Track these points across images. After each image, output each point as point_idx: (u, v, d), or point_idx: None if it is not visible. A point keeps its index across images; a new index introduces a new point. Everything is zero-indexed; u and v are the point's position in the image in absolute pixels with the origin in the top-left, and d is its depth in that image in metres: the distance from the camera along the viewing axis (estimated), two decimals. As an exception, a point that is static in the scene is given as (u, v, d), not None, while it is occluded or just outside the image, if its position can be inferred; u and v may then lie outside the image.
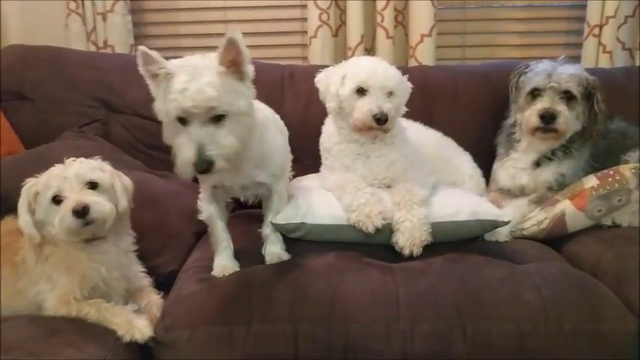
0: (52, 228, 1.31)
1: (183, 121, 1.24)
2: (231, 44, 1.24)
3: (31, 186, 1.34)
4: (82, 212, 1.29)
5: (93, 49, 2.31)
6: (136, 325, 1.29)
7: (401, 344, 1.30)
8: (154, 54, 1.26)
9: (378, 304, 1.35)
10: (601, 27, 2.27)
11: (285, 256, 1.51)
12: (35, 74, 2.02)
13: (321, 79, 1.65)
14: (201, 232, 1.70)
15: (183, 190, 1.77)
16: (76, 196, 1.31)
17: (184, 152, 1.23)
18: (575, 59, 2.22)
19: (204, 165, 1.22)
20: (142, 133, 2.01)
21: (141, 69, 1.29)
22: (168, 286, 1.48)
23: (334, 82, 1.61)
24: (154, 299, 1.43)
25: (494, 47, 2.44)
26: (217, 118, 1.24)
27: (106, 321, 1.29)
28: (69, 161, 1.37)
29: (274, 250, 1.52)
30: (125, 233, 1.46)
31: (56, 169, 1.35)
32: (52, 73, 2.03)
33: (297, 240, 1.57)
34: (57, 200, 1.31)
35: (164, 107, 1.26)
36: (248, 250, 1.55)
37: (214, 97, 1.21)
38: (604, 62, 2.27)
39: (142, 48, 1.27)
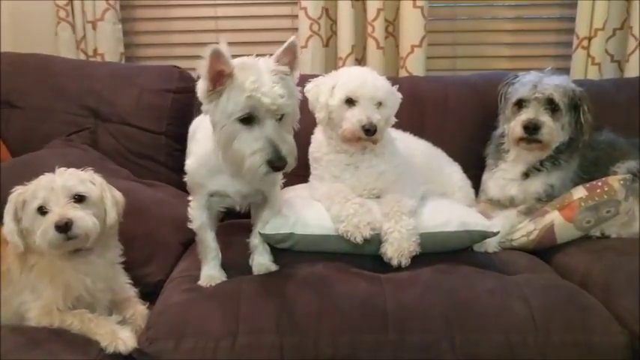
0: (37, 238, 1.29)
1: (248, 120, 1.25)
2: (291, 48, 1.29)
3: (18, 194, 1.32)
4: (64, 227, 1.27)
5: (83, 57, 2.30)
6: (119, 336, 1.27)
7: (389, 356, 1.29)
8: (227, 52, 1.24)
9: (367, 315, 1.34)
10: (590, 39, 2.28)
11: (273, 267, 1.49)
12: (24, 82, 2.02)
13: (310, 89, 1.64)
14: (189, 241, 1.68)
15: (171, 200, 1.76)
16: (60, 209, 1.29)
17: (258, 150, 1.24)
18: (565, 71, 2.23)
19: (282, 162, 1.24)
20: (130, 141, 2.00)
21: (205, 67, 1.25)
22: (154, 297, 1.46)
23: (323, 92, 1.61)
24: (139, 310, 1.41)
25: (485, 58, 2.45)
26: (280, 118, 1.27)
27: (90, 332, 1.27)
28: (59, 171, 1.36)
29: (262, 260, 1.50)
30: (113, 245, 1.45)
31: (44, 179, 1.33)
32: (40, 81, 2.02)
33: (286, 250, 1.56)
34: (42, 211, 1.30)
35: (231, 106, 1.25)
36: (236, 261, 1.53)
37: (286, 96, 1.25)
38: (593, 74, 2.29)
39: (217, 46, 1.23)
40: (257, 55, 1.31)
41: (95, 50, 2.29)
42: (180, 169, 1.69)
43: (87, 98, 2.00)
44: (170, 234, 1.66)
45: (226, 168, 1.37)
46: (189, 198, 1.49)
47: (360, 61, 2.33)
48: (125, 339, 1.27)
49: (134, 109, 2.01)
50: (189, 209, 1.48)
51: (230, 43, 2.10)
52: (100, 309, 1.37)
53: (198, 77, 1.30)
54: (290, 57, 1.31)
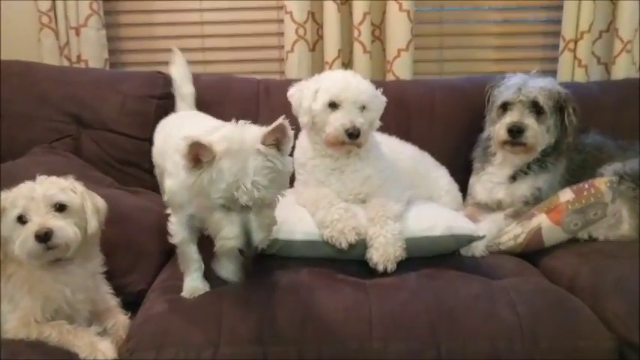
0: (16, 248, 1.27)
1: (226, 206, 1.21)
2: (279, 128, 1.21)
3: (5, 203, 1.29)
4: (44, 237, 1.24)
5: (66, 64, 2.27)
6: (99, 348, 1.24)
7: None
8: (206, 141, 1.17)
9: (351, 322, 1.32)
10: (576, 42, 2.28)
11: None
12: (5, 89, 1.98)
13: (293, 94, 1.63)
14: (172, 250, 1.64)
15: (154, 207, 1.73)
16: (40, 219, 1.26)
17: (231, 238, 1.21)
18: (552, 73, 2.22)
19: (252, 250, 1.23)
20: (113, 148, 1.97)
21: (184, 158, 1.20)
22: (136, 306, 1.43)
23: (306, 97, 1.59)
24: (120, 320, 1.38)
25: (472, 62, 2.45)
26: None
27: (68, 343, 1.25)
28: (40, 179, 1.33)
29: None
30: (94, 255, 1.42)
31: (24, 187, 1.30)
32: (22, 88, 1.99)
33: (270, 256, 1.54)
34: (22, 220, 1.27)
35: (210, 190, 1.19)
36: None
37: (267, 187, 1.19)
38: (580, 76, 2.29)
39: (191, 137, 1.17)
40: (244, 122, 1.25)
41: (79, 57, 2.26)
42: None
43: (69, 105, 1.97)
44: (153, 242, 1.62)
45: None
46: (169, 212, 1.45)
47: (347, 65, 2.32)
48: (105, 350, 1.25)
49: (118, 115, 1.98)
50: (169, 224, 1.44)
51: (215, 49, 2.09)
52: (80, 320, 1.34)
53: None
54: (279, 135, 1.22)
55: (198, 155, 1.18)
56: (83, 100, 1.98)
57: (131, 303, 1.46)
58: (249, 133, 1.22)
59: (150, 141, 1.98)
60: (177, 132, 1.43)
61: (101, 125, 1.97)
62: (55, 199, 1.30)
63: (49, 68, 2.10)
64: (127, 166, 1.97)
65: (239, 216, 1.21)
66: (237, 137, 1.20)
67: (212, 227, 1.24)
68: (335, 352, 1.28)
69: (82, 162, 1.87)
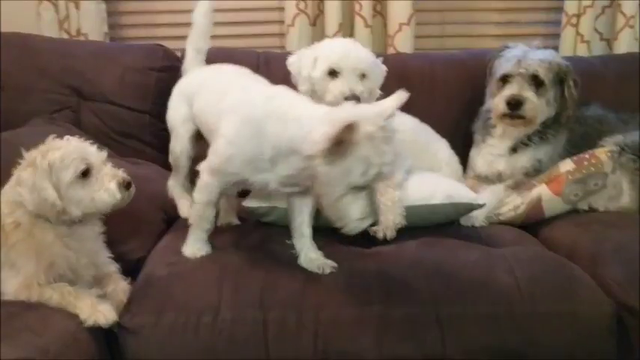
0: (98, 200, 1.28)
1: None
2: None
3: (54, 159, 1.26)
4: (127, 185, 1.31)
5: (66, 37, 2.26)
6: (99, 310, 1.24)
7: (373, 329, 1.27)
8: (356, 122, 1.08)
9: (351, 289, 1.32)
10: (579, 17, 2.26)
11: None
12: (5, 61, 1.96)
13: (293, 62, 1.62)
14: (172, 219, 1.67)
15: (154, 176, 1.74)
16: (110, 170, 1.31)
17: (364, 218, 1.18)
18: (554, 50, 2.20)
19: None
20: (114, 120, 1.97)
21: (326, 140, 1.08)
22: (136, 274, 1.43)
23: (306, 65, 1.58)
24: (120, 285, 1.37)
25: (473, 38, 2.43)
26: None
27: (70, 305, 1.24)
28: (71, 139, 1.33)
29: (314, 256, 1.40)
30: (96, 219, 1.42)
31: (72, 144, 1.30)
32: (22, 60, 1.97)
33: (271, 224, 1.54)
34: (85, 175, 1.27)
35: (352, 177, 1.12)
36: (221, 235, 1.52)
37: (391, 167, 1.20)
38: (582, 52, 2.26)
39: (345, 118, 1.07)
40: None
41: (78, 30, 2.25)
42: (165, 149, 1.67)
43: (69, 77, 1.96)
44: (153, 211, 1.64)
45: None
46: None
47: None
48: (105, 312, 1.25)
49: (117, 87, 1.98)
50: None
51: (216, 23, 2.09)
52: (82, 284, 1.34)
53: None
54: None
55: (341, 138, 1.08)
56: (83, 72, 1.98)
57: (130, 271, 1.46)
58: (374, 112, 1.15)
59: (150, 114, 1.99)
60: (237, 92, 1.40)
61: (101, 97, 1.96)
62: (102, 155, 1.32)
63: (48, 40, 2.09)
64: (126, 138, 1.96)
65: (369, 196, 1.18)
66: (371, 117, 1.11)
67: (341, 212, 1.16)
68: (334, 318, 1.28)
69: (81, 133, 1.85)
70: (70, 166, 1.26)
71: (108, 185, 1.28)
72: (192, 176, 1.54)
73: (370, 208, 1.18)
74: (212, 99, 1.45)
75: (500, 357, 1.27)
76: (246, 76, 1.55)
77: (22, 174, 1.26)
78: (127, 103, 1.98)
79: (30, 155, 1.29)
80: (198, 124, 1.53)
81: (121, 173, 1.32)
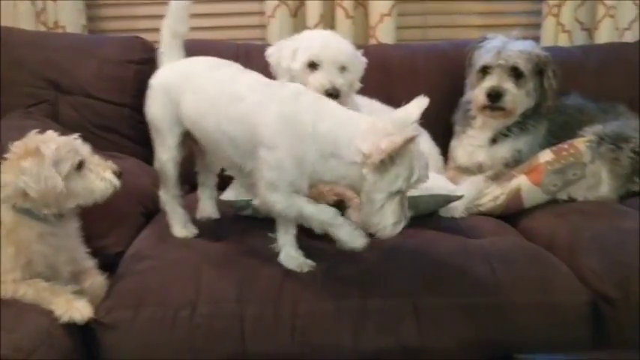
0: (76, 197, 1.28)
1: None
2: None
3: (55, 149, 1.25)
4: (120, 174, 1.32)
5: (43, 30, 2.23)
6: (75, 306, 1.23)
7: (350, 321, 1.27)
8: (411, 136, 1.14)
9: (328, 282, 1.32)
10: (560, 7, 2.26)
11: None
12: (-20, 55, 1.95)
13: (272, 53, 1.61)
14: (151, 213, 1.66)
15: (133, 170, 1.72)
16: (101, 160, 1.32)
17: (397, 222, 1.22)
18: (535, 39, 2.21)
19: None
20: (92, 114, 1.94)
21: (393, 147, 1.13)
22: (114, 268, 1.42)
23: (285, 56, 1.57)
24: (98, 281, 1.36)
25: (455, 28, 2.43)
26: None
27: (44, 301, 1.23)
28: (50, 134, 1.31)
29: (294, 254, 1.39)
30: (73, 214, 1.41)
31: (60, 139, 1.29)
32: (-3, 53, 1.95)
33: (248, 217, 1.54)
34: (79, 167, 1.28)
35: (399, 182, 1.18)
36: (199, 228, 1.52)
37: None
38: (563, 42, 2.27)
39: (414, 133, 1.15)
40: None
41: (56, 23, 2.22)
42: (145, 142, 1.65)
43: (46, 70, 1.93)
44: (131, 205, 1.62)
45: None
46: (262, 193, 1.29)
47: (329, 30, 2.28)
48: (81, 308, 1.24)
49: (96, 80, 1.95)
50: (273, 203, 1.27)
51: (196, 15, 2.07)
52: (61, 281, 1.33)
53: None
54: None
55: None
56: (60, 65, 1.95)
57: (108, 265, 1.45)
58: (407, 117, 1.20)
59: (129, 107, 1.97)
60: (258, 93, 1.31)
61: (79, 91, 1.94)
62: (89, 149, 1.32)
63: (24, 33, 2.06)
64: (105, 131, 1.94)
65: (402, 201, 1.21)
66: (415, 132, 1.16)
67: (378, 216, 1.20)
68: (311, 311, 1.28)
69: (59, 127, 1.83)
70: (66, 159, 1.26)
71: (104, 175, 1.30)
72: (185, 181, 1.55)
73: (402, 212, 1.21)
74: (217, 102, 1.34)
75: (477, 347, 1.28)
76: (246, 72, 1.43)
77: (23, 163, 1.23)
78: (106, 96, 1.96)
79: (24, 145, 1.27)
80: (190, 127, 1.42)
81: (111, 163, 1.34)
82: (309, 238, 1.43)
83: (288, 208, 1.27)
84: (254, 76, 1.39)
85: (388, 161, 1.14)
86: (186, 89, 1.40)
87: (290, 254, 1.38)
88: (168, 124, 1.45)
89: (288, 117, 1.24)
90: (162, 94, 1.46)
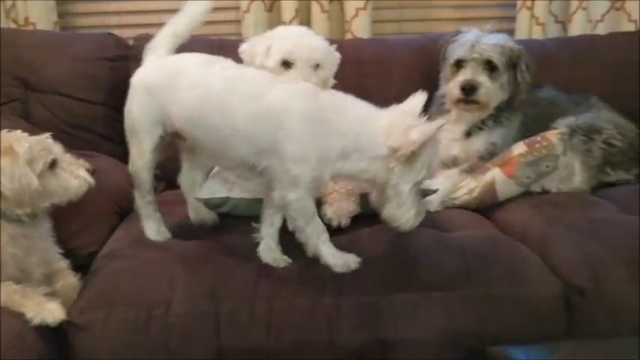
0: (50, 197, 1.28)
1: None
2: None
3: (28, 148, 1.23)
4: (93, 172, 1.33)
5: (13, 27, 2.19)
6: (47, 308, 1.22)
7: (326, 319, 1.27)
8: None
9: (304, 280, 1.32)
10: (533, 0, 2.28)
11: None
12: (-53, 53, 1.90)
13: (245, 50, 1.58)
14: (125, 212, 1.64)
15: (107, 169, 1.70)
16: (72, 159, 1.31)
17: (418, 214, 1.29)
18: (510, 32, 2.22)
19: None
20: (65, 113, 1.92)
21: (416, 145, 1.21)
22: (87, 269, 1.40)
23: (259, 53, 1.55)
24: (70, 282, 1.35)
25: (431, 22, 2.43)
26: None
27: (15, 304, 1.21)
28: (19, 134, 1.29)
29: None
30: (45, 215, 1.39)
31: (34, 137, 1.27)
32: (-37, 51, 1.92)
33: (225, 215, 1.53)
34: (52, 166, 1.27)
35: (422, 174, 1.27)
36: (172, 227, 1.51)
37: None
38: (537, 35, 2.29)
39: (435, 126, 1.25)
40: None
41: (26, 19, 2.18)
42: (120, 140, 1.63)
43: (16, 68, 1.89)
44: (105, 204, 1.60)
45: None
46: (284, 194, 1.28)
47: (305, 25, 2.27)
48: (53, 310, 1.22)
49: (68, 78, 1.92)
50: (297, 204, 1.28)
51: (169, 10, 2.03)
52: (33, 283, 1.31)
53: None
54: None
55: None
56: (31, 63, 1.91)
57: (82, 266, 1.43)
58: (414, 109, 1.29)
59: (104, 105, 1.95)
60: (277, 91, 1.30)
61: (50, 89, 1.91)
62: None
63: (-8, 30, 2.02)
64: (79, 130, 1.92)
65: (417, 190, 1.26)
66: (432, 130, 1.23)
67: (401, 207, 1.25)
68: (286, 309, 1.27)
69: (30, 126, 1.80)
70: (39, 157, 1.24)
71: (78, 173, 1.30)
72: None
73: (420, 204, 1.27)
74: (227, 100, 1.30)
75: (452, 340, 1.28)
76: (246, 68, 1.42)
77: None
78: (79, 94, 1.94)
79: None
80: (183, 127, 1.36)
81: (83, 161, 1.33)
82: (287, 234, 1.44)
83: (304, 208, 1.29)
84: (258, 72, 1.39)
85: (416, 152, 1.20)
86: (179, 87, 1.34)
87: (270, 247, 1.38)
88: (148, 125, 1.40)
89: (314, 114, 1.26)
90: (144, 93, 1.40)
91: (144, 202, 1.48)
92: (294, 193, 1.27)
